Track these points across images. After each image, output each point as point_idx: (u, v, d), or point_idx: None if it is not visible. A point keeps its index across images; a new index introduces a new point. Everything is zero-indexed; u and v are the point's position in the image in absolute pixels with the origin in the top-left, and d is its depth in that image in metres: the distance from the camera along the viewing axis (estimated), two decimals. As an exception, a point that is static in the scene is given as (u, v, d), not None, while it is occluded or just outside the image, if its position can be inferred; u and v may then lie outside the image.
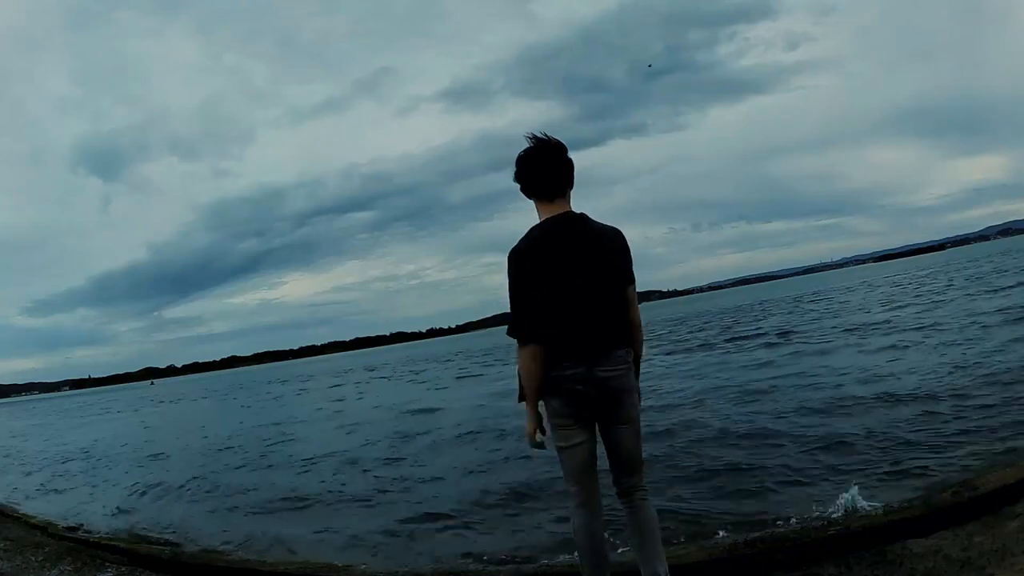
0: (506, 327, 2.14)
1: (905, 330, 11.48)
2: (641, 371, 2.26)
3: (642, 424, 2.21)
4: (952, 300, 15.93)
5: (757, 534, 3.06)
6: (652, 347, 15.80)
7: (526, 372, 2.10)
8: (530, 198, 2.17)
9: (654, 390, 8.95)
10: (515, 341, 2.10)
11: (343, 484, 6.32)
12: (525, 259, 2.07)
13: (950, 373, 7.05)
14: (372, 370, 32.16)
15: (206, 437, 12.16)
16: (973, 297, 15.42)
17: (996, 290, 15.64)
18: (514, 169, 2.17)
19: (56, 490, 8.25)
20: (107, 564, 3.98)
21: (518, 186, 2.18)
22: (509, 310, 2.11)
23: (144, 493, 7.24)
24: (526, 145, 2.15)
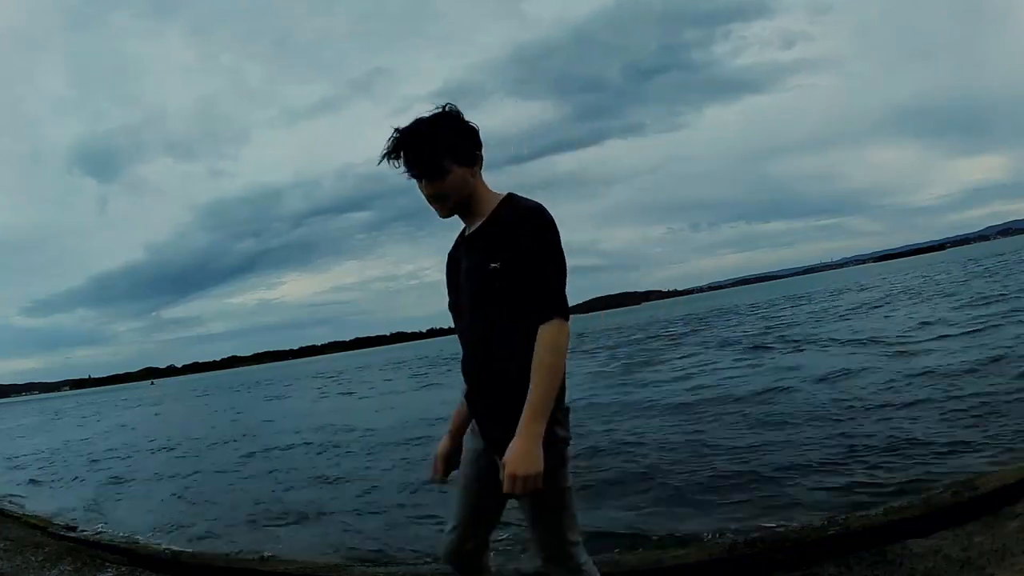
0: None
1: (901, 332, 11.48)
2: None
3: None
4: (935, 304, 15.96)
5: (757, 534, 3.05)
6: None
7: (563, 359, 1.56)
8: (477, 168, 1.69)
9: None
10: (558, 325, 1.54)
11: (340, 485, 6.33)
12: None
13: (945, 376, 7.04)
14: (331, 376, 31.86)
15: (198, 437, 12.15)
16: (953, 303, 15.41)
17: (993, 296, 15.57)
18: (472, 138, 1.67)
19: (50, 490, 8.25)
20: (107, 564, 3.98)
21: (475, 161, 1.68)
22: (558, 280, 1.57)
23: (142, 493, 7.24)
24: (428, 114, 1.66)
